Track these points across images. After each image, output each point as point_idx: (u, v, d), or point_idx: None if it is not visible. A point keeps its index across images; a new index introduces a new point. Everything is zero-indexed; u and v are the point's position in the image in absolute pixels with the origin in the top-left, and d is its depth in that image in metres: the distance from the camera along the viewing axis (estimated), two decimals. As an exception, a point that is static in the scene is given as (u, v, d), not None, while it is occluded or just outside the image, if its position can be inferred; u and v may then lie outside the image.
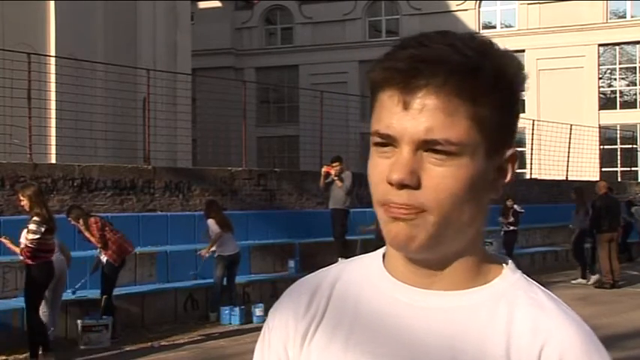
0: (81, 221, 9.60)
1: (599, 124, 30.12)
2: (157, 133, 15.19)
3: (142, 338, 9.76)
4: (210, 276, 11.21)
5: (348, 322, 1.08)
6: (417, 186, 0.99)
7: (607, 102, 33.95)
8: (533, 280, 1.10)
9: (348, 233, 12.92)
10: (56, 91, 15.48)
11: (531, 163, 22.22)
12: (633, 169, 31.16)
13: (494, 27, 35.01)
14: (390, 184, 1.00)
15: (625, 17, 33.73)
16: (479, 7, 35.48)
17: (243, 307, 10.92)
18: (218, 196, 13.38)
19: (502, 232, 15.27)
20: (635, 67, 33.88)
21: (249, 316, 10.77)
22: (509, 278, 1.08)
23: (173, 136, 17.95)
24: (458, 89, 0.98)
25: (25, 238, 8.25)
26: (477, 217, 1.05)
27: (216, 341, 9.76)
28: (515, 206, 15.18)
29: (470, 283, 1.06)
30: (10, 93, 12.08)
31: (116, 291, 9.91)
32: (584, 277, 15.13)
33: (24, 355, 8.54)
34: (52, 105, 14.87)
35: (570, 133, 22.68)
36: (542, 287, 1.09)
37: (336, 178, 12.79)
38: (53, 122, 14.78)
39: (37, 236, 8.20)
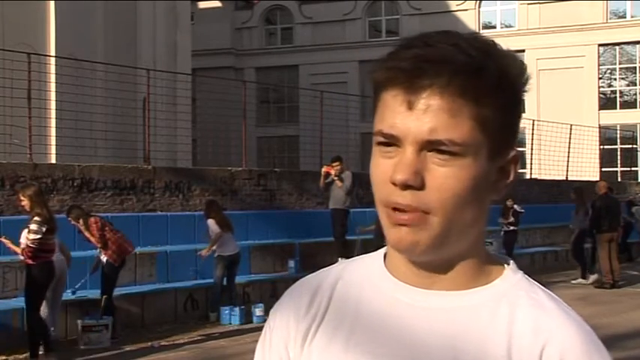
0: (81, 221, 9.59)
1: (599, 124, 30.13)
2: (157, 133, 15.19)
3: (142, 338, 9.76)
4: (210, 276, 11.21)
5: (348, 322, 1.08)
6: (421, 186, 0.99)
7: (607, 102, 33.96)
8: (534, 280, 1.10)
9: (348, 233, 12.92)
10: (56, 91, 15.48)
11: (531, 163, 22.23)
12: (633, 169, 31.16)
13: (494, 27, 35.01)
14: (394, 184, 0.99)
15: (625, 17, 33.73)
16: (479, 7, 35.49)
17: (243, 307, 10.92)
18: (218, 196, 13.38)
19: (502, 232, 15.28)
20: (635, 67, 33.88)
21: (249, 316, 10.77)
22: (510, 279, 1.08)
23: (173, 136, 17.95)
24: (462, 89, 0.98)
25: (26, 238, 8.26)
26: (479, 217, 1.05)
27: (217, 341, 9.76)
28: (515, 206, 15.18)
29: (471, 284, 1.06)
30: (10, 93, 12.08)
31: (116, 291, 9.91)
32: (584, 277, 15.13)
33: (24, 355, 8.54)
34: (52, 105, 14.87)
35: (570, 133, 22.68)
36: (543, 287, 1.09)
37: (336, 178, 12.79)
38: (53, 122, 14.78)
39: (39, 236, 8.21)
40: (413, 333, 1.04)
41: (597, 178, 21.48)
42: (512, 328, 1.02)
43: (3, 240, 8.88)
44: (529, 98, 32.50)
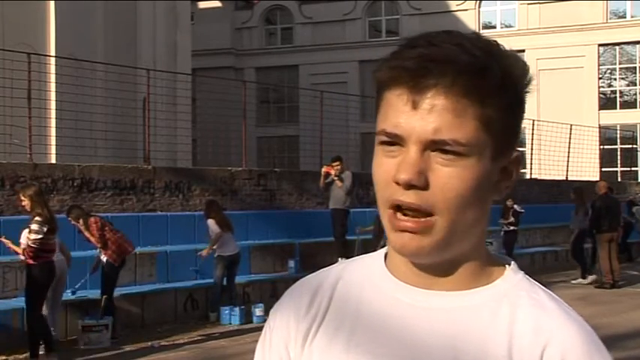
0: (81, 221, 9.59)
1: (599, 124, 30.13)
2: (157, 133, 15.19)
3: (142, 338, 9.76)
4: (210, 276, 11.22)
5: (349, 322, 1.08)
6: (425, 186, 0.99)
7: (607, 102, 33.96)
8: (534, 280, 1.10)
9: (348, 233, 12.93)
10: (56, 91, 15.48)
11: (531, 163, 22.22)
12: (633, 169, 31.16)
13: (494, 27, 35.02)
14: (397, 183, 0.99)
15: (625, 17, 33.73)
16: (479, 7, 35.49)
17: (243, 307, 10.92)
18: (218, 196, 13.38)
19: (502, 232, 15.27)
20: (635, 67, 33.88)
21: (249, 316, 10.77)
22: (511, 279, 1.08)
23: (173, 136, 17.95)
24: (466, 89, 0.98)
25: (27, 238, 8.26)
26: (481, 217, 1.05)
27: (217, 341, 9.76)
28: (515, 206, 15.18)
29: (472, 284, 1.06)
30: (10, 93, 12.08)
31: (116, 291, 9.91)
32: (584, 277, 15.13)
33: (24, 355, 8.54)
34: (52, 105, 14.87)
35: (570, 133, 22.68)
36: (544, 288, 1.09)
37: (336, 178, 12.79)
38: (53, 122, 14.78)
39: (40, 236, 8.22)
40: (414, 333, 1.03)
41: (597, 178, 21.49)
42: (513, 328, 1.02)
43: (3, 240, 8.88)
44: (529, 98, 32.24)
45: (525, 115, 1.09)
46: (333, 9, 37.09)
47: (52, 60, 16.48)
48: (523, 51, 31.63)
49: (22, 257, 8.56)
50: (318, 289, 1.13)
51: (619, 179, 29.17)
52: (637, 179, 30.47)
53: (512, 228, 15.33)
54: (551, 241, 19.03)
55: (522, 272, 1.10)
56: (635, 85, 33.95)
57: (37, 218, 8.24)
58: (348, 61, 35.82)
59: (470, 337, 1.02)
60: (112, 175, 12.43)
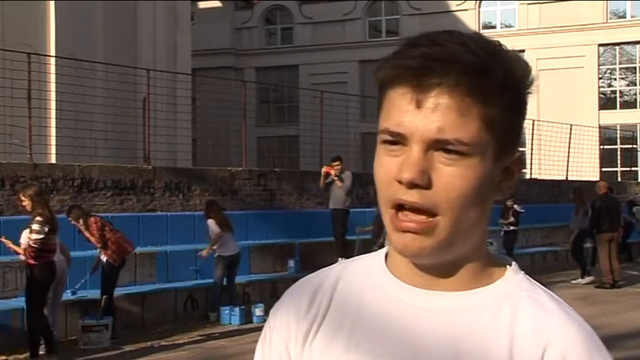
0: (81, 221, 9.59)
1: (599, 124, 30.13)
2: (157, 133, 15.19)
3: (142, 338, 9.76)
4: (210, 276, 11.21)
5: (349, 322, 1.08)
6: (428, 186, 0.98)
7: (607, 102, 33.96)
8: (534, 280, 1.10)
9: (348, 233, 12.93)
10: (56, 91, 15.48)
11: (531, 163, 22.22)
12: (633, 169, 31.16)
13: (494, 27, 35.02)
14: (400, 182, 0.99)
15: (625, 17, 33.74)
16: (479, 7, 35.49)
17: (243, 307, 10.92)
18: (218, 196, 13.38)
19: (502, 232, 15.27)
20: (635, 67, 33.89)
21: (249, 316, 10.77)
22: (512, 279, 1.08)
23: (173, 136, 17.95)
24: (469, 89, 0.97)
25: (29, 238, 8.27)
26: (483, 217, 1.05)
27: (217, 341, 9.76)
28: (516, 206, 15.17)
29: (473, 284, 1.06)
30: (10, 93, 12.08)
31: (116, 291, 9.91)
32: (583, 277, 15.13)
33: (24, 355, 8.54)
34: (52, 105, 14.87)
35: (570, 133, 22.68)
36: (545, 288, 1.09)
37: (336, 178, 12.80)
38: (53, 122, 14.78)
39: (41, 236, 8.23)
40: (414, 333, 1.03)
41: (597, 178, 21.49)
42: (514, 328, 1.02)
43: (3, 240, 8.88)
44: (529, 98, 32.33)
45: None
46: (333, 9, 37.09)
47: (52, 60, 16.48)
48: (523, 51, 31.61)
49: (23, 257, 8.56)
50: (318, 289, 1.13)
51: (619, 179, 29.17)
52: (637, 179, 30.47)
53: (512, 228, 15.33)
54: (551, 241, 19.03)
55: (523, 272, 1.10)
56: (635, 85, 33.95)
57: (38, 218, 8.25)
58: (348, 61, 35.82)
59: (471, 338, 1.02)
60: (112, 175, 12.43)
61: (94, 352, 8.98)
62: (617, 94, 34.21)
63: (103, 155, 15.40)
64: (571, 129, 22.76)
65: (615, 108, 33.75)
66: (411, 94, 0.99)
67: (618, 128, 31.66)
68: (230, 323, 10.73)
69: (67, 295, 9.70)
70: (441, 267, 1.05)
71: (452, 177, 0.99)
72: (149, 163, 13.74)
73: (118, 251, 9.66)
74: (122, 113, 16.95)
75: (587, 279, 14.96)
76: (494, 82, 0.99)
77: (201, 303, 11.30)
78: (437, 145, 0.98)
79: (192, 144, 23.54)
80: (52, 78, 16.38)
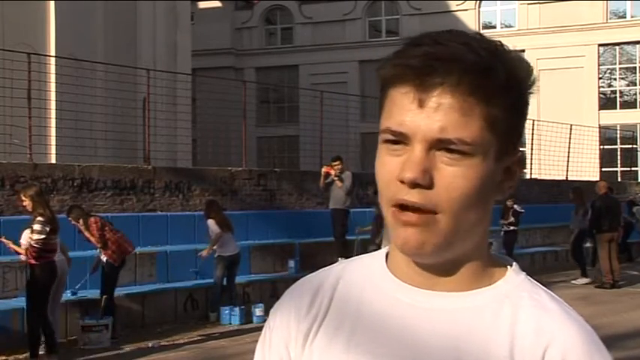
0: (81, 221, 9.59)
1: (599, 124, 30.13)
2: (157, 133, 15.19)
3: (141, 338, 9.76)
4: (210, 276, 11.21)
5: (349, 322, 1.08)
6: (430, 185, 0.98)
7: (607, 102, 33.96)
8: (534, 280, 1.10)
9: (348, 233, 12.94)
10: (56, 91, 15.48)
11: (531, 163, 22.21)
12: (633, 169, 31.16)
13: (494, 27, 35.02)
14: (402, 182, 0.99)
15: (625, 17, 33.74)
16: (479, 7, 35.49)
17: (243, 307, 10.92)
18: (218, 196, 13.39)
19: (502, 232, 15.27)
20: (635, 67, 33.89)
21: (249, 316, 10.77)
22: (513, 280, 1.08)
23: (173, 136, 17.95)
24: (472, 88, 0.97)
25: (30, 238, 8.28)
26: (484, 217, 1.05)
27: (217, 341, 9.76)
28: (516, 206, 15.17)
29: (474, 285, 1.06)
30: (10, 93, 12.08)
31: (116, 291, 9.91)
32: (586, 276, 15.13)
33: (24, 355, 8.54)
34: (52, 105, 14.87)
35: (570, 133, 22.68)
36: (546, 289, 1.08)
37: (336, 178, 12.80)
38: (53, 122, 14.78)
39: (43, 236, 8.24)
40: (414, 333, 1.03)
41: (597, 178, 21.49)
42: (515, 328, 1.02)
43: (3, 240, 8.88)
44: (530, 98, 32.35)
45: (526, 115, 1.09)
46: (333, 9, 37.09)
47: (52, 60, 16.49)
48: (523, 51, 31.61)
49: (24, 257, 8.57)
50: (318, 289, 1.12)
51: (619, 179, 29.17)
52: (637, 179, 30.47)
53: (512, 228, 15.33)
54: (551, 241, 19.03)
55: (524, 273, 1.09)
56: (635, 85, 33.95)
57: (39, 218, 8.26)
58: (348, 61, 35.82)
59: (472, 338, 1.02)
60: (112, 175, 12.43)
61: (94, 352, 8.98)
62: (617, 94, 34.22)
63: (103, 155, 15.41)
64: (571, 129, 22.76)
65: (615, 108, 33.76)
66: (414, 93, 0.99)
67: (618, 128, 31.66)
68: (230, 323, 10.73)
69: (67, 296, 9.70)
70: (441, 266, 1.05)
71: (454, 177, 0.98)
72: (149, 163, 13.74)
73: (117, 251, 9.66)
74: (122, 113, 16.95)
75: (585, 280, 14.95)
76: (497, 82, 0.99)
77: (201, 303, 11.30)
78: (439, 144, 0.98)
79: (192, 144, 23.55)
80: (52, 78, 16.38)
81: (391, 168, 1.01)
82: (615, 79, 34.28)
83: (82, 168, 12.11)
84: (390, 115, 1.01)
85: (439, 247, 1.01)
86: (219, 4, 38.27)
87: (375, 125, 1.06)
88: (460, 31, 1.03)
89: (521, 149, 1.09)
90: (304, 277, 1.17)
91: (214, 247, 11.00)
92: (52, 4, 18.60)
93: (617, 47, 33.90)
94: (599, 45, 33.42)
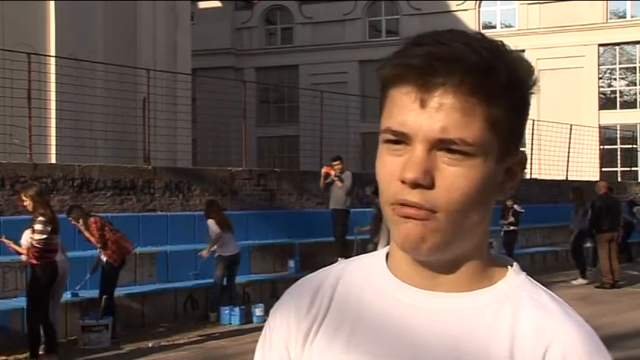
0: (81, 221, 9.60)
1: (599, 124, 30.13)
2: (157, 133, 15.19)
3: (141, 338, 9.76)
4: (210, 276, 11.21)
5: (349, 322, 1.07)
6: (431, 186, 0.98)
7: (607, 102, 33.96)
8: (534, 280, 1.10)
9: (348, 233, 12.94)
10: (56, 91, 15.48)
11: (531, 163, 22.19)
12: (633, 169, 31.16)
13: (494, 27, 35.02)
14: (403, 182, 0.99)
15: (625, 17, 33.74)
16: (479, 7, 35.49)
17: (243, 307, 10.92)
18: (218, 196, 13.38)
19: (502, 232, 15.27)
20: (635, 67, 33.89)
21: (249, 316, 10.77)
22: (513, 280, 1.07)
23: (173, 136, 17.95)
24: (474, 89, 0.97)
25: (31, 238, 8.28)
26: (484, 218, 1.04)
27: (217, 341, 9.76)
28: (515, 206, 15.17)
29: (474, 285, 1.06)
30: (10, 93, 12.08)
31: (116, 291, 9.90)
32: (584, 277, 15.13)
33: (24, 355, 8.54)
34: (52, 105, 14.87)
35: (570, 133, 22.68)
36: (546, 289, 1.08)
37: (336, 178, 12.81)
38: (53, 122, 14.78)
39: (45, 236, 8.24)
40: (414, 333, 1.03)
41: (597, 178, 21.49)
42: (515, 329, 1.02)
43: (4, 240, 8.88)
44: (531, 98, 32.35)
45: (526, 115, 1.08)
46: (333, 9, 37.09)
47: (52, 60, 16.49)
48: (523, 51, 31.60)
49: (24, 257, 8.57)
50: (318, 289, 1.12)
51: (619, 179, 29.17)
52: (637, 179, 30.47)
53: (512, 228, 15.33)
54: (551, 241, 19.04)
55: (524, 273, 1.09)
56: (635, 85, 33.95)
57: (40, 218, 8.26)
58: (348, 61, 35.82)
59: (472, 338, 1.02)
60: (112, 175, 12.43)
61: (94, 352, 8.98)
62: (617, 94, 34.22)
63: (103, 155, 15.41)
64: (571, 129, 22.76)
65: (615, 108, 33.76)
66: (416, 93, 0.98)
67: (618, 128, 31.66)
68: (230, 323, 10.73)
69: (67, 296, 9.70)
70: (441, 266, 1.05)
71: (455, 177, 0.98)
72: (149, 163, 13.74)
73: (117, 251, 9.66)
74: (122, 113, 16.95)
75: (583, 281, 14.94)
76: (498, 82, 0.98)
77: (201, 303, 11.30)
78: (440, 145, 0.98)
79: (192, 144, 23.55)
80: (52, 78, 16.39)
81: (392, 168, 1.00)
82: (615, 79, 34.28)
83: (82, 168, 12.11)
84: (390, 115, 1.01)
85: (438, 246, 1.01)
86: (219, 4, 38.27)
87: (376, 125, 1.06)
88: (461, 30, 1.02)
89: (521, 149, 1.09)
90: (304, 277, 1.17)
91: (214, 247, 11.00)
92: (52, 4, 18.60)
93: (617, 47, 33.91)
94: (599, 45, 33.42)
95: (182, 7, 25.77)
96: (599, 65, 33.75)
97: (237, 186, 14.24)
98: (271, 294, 11.97)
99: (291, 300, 1.14)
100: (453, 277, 1.05)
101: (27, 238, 8.42)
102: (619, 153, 32.30)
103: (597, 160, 25.34)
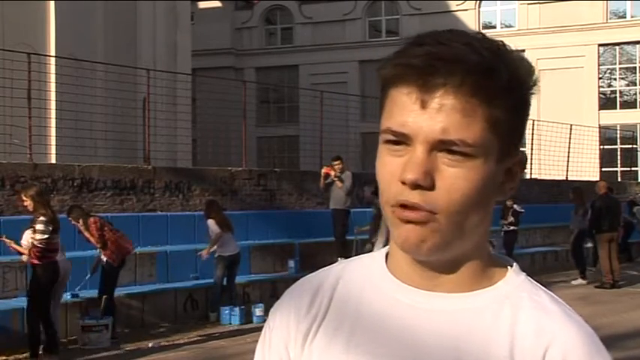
0: (81, 221, 9.60)
1: (599, 124, 30.13)
2: (157, 133, 15.19)
3: (141, 338, 9.76)
4: (210, 276, 11.21)
5: (349, 323, 1.07)
6: (431, 187, 0.98)
7: (607, 102, 33.96)
8: (534, 280, 1.10)
9: (348, 233, 12.94)
10: (56, 91, 15.48)
11: (531, 163, 22.18)
12: (633, 169, 31.16)
13: (494, 27, 35.01)
14: (403, 183, 0.98)
15: (625, 17, 33.74)
16: (479, 7, 35.49)
17: (243, 307, 10.92)
18: (218, 196, 13.38)
19: (502, 232, 15.27)
20: (635, 67, 33.89)
21: (249, 316, 10.77)
22: (513, 281, 1.07)
23: (173, 136, 17.95)
24: (474, 89, 0.97)
25: (33, 238, 8.29)
26: (485, 219, 1.04)
27: (217, 341, 9.76)
28: (515, 206, 15.17)
29: (474, 286, 1.06)
30: (10, 93, 12.08)
31: (116, 291, 9.90)
32: (584, 277, 15.13)
33: (24, 355, 8.54)
34: (52, 105, 14.88)
35: (570, 133, 22.68)
36: (546, 289, 1.08)
37: (336, 178, 12.81)
38: (53, 122, 14.78)
39: (46, 236, 8.25)
40: (414, 333, 1.03)
41: (597, 178, 21.49)
42: (515, 329, 1.02)
43: (5, 240, 8.87)
44: (532, 99, 32.35)
45: (526, 115, 1.08)
46: (333, 9, 37.09)
47: (52, 60, 16.49)
48: (523, 51, 31.59)
49: (25, 257, 8.57)
50: (318, 289, 1.12)
51: (619, 179, 29.17)
52: (637, 179, 30.47)
53: (512, 228, 15.32)
54: (551, 241, 19.03)
55: (524, 274, 1.09)
56: (635, 85, 33.95)
57: (41, 218, 8.27)
58: (348, 61, 35.82)
59: (472, 339, 1.02)
60: (112, 175, 12.43)
61: (94, 352, 8.98)
62: (617, 94, 34.22)
63: (103, 155, 15.41)
64: (571, 129, 22.76)
65: (615, 108, 33.76)
66: (416, 93, 0.98)
67: (618, 128, 31.66)
68: (230, 323, 10.73)
69: (67, 296, 9.70)
70: (441, 267, 1.05)
71: (455, 178, 0.98)
72: (149, 163, 13.74)
73: (117, 251, 9.66)
74: (122, 113, 16.95)
75: (582, 281, 14.94)
76: (499, 82, 0.98)
77: (201, 303, 11.30)
78: (441, 145, 0.98)
79: (192, 144, 23.55)
80: (52, 78, 16.39)
81: (392, 168, 1.00)
82: (615, 79, 34.28)
83: (82, 168, 12.11)
84: (391, 116, 1.01)
85: (439, 247, 1.01)
86: (219, 4, 38.27)
87: (376, 125, 1.06)
88: (461, 30, 1.02)
89: (521, 149, 1.09)
90: (304, 277, 1.17)
91: (214, 247, 11.00)
92: (52, 4, 18.60)
93: (617, 47, 33.91)
94: (599, 45, 33.42)
95: (182, 7, 25.77)
96: (599, 65, 33.75)
97: (237, 186, 14.24)
98: (271, 294, 11.97)
99: (291, 300, 1.14)
100: (452, 277, 1.05)
101: (28, 238, 8.42)
102: (619, 153, 32.30)
103: (597, 160, 25.34)
